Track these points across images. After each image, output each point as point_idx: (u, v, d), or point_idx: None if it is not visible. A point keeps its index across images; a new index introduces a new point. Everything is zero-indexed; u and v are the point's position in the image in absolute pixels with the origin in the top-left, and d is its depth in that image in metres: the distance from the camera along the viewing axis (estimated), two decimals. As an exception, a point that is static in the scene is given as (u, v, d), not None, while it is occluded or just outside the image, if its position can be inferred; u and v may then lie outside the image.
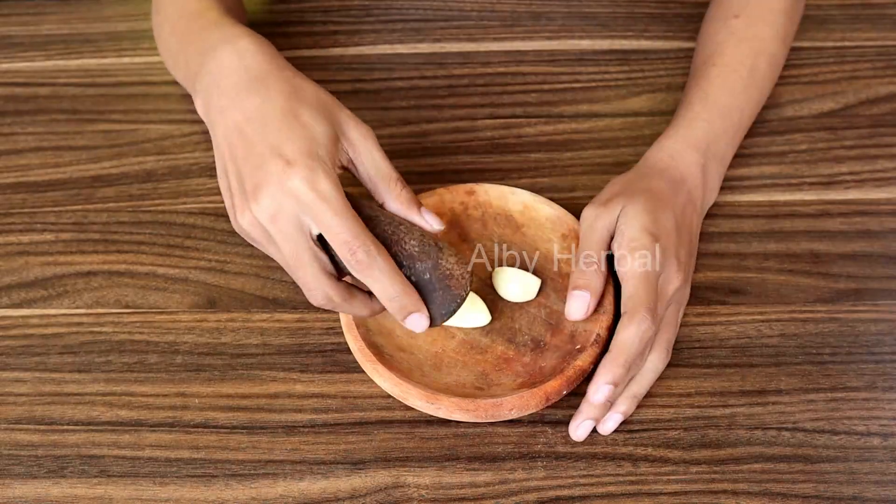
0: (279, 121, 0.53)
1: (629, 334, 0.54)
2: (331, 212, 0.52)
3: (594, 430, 0.58)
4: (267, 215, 0.52)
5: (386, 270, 0.53)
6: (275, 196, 0.52)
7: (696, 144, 0.65)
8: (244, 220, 0.54)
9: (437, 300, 0.55)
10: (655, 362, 0.58)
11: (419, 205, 0.57)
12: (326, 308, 0.56)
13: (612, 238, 0.59)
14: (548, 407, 0.58)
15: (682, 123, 0.66)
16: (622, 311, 0.56)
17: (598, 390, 0.55)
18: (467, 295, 0.57)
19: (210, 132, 0.57)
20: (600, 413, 0.56)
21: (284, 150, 0.52)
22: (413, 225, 0.56)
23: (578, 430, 0.57)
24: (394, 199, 0.57)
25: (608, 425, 0.57)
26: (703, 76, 0.68)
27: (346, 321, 0.59)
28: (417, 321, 0.55)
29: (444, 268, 0.55)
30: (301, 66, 0.78)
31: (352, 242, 0.52)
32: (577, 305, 0.57)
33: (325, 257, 0.54)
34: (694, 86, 0.68)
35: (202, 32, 0.61)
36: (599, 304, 0.58)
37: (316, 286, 0.54)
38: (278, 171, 0.52)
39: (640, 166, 0.65)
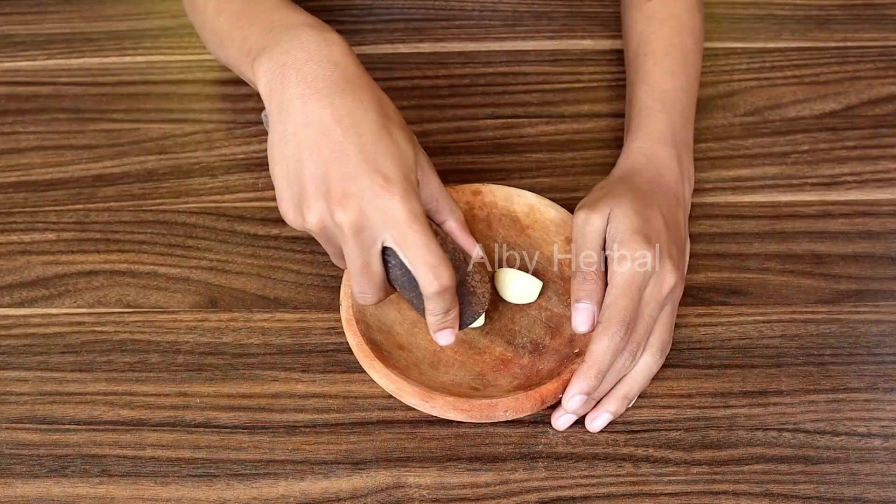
0: (374, 133, 0.53)
1: (602, 347, 0.55)
2: (421, 234, 0.52)
3: (582, 424, 0.58)
4: (351, 224, 0.52)
5: (452, 295, 0.54)
6: (365, 209, 0.52)
7: (663, 138, 0.65)
8: (313, 218, 0.53)
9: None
10: (649, 363, 0.58)
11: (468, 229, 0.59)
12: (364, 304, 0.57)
13: (605, 241, 0.59)
14: (548, 408, 0.58)
15: (642, 122, 0.66)
16: (598, 319, 0.56)
17: (572, 400, 0.56)
18: (483, 311, 0.59)
19: (275, 113, 0.54)
20: (580, 413, 0.57)
21: (382, 166, 0.52)
22: (446, 238, 0.57)
23: (559, 420, 0.58)
24: (456, 219, 0.58)
25: (596, 423, 0.58)
26: (641, 68, 0.68)
27: (346, 317, 0.59)
28: (448, 336, 0.57)
29: (469, 284, 0.58)
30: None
31: (437, 268, 0.53)
32: (582, 318, 0.57)
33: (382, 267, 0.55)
34: (636, 80, 0.68)
35: (271, 13, 0.59)
36: None
37: (372, 292, 0.56)
38: (377, 186, 0.52)
39: (618, 172, 0.64)
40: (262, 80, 0.55)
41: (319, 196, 0.52)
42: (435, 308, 0.55)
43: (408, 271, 0.54)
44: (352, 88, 0.54)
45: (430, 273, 0.52)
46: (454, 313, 0.56)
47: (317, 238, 0.55)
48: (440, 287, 0.53)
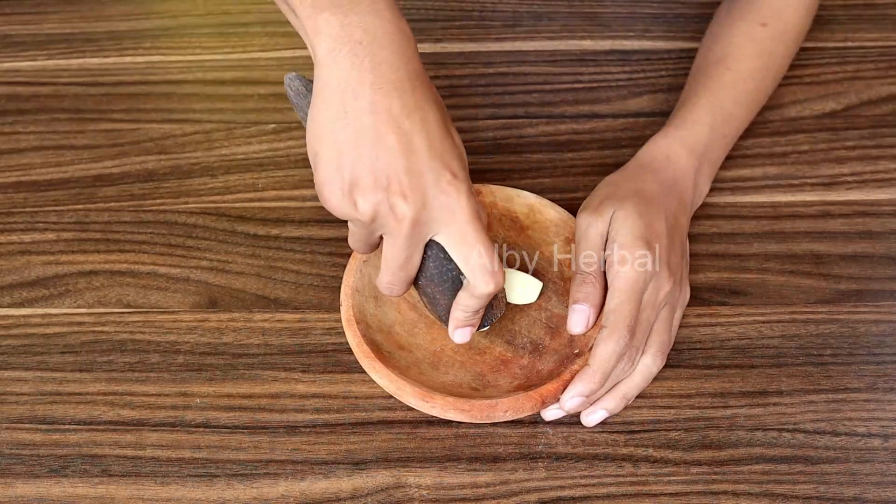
0: (440, 131, 0.53)
1: (607, 350, 0.55)
2: (482, 234, 0.52)
3: (582, 424, 0.58)
4: (412, 218, 0.51)
5: (491, 296, 0.54)
6: (430, 204, 0.51)
7: (694, 148, 0.65)
8: (367, 207, 0.51)
9: None
10: (648, 364, 0.58)
11: None
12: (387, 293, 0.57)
13: (606, 242, 0.59)
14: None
15: (685, 124, 0.66)
16: (603, 323, 0.56)
17: (570, 400, 0.56)
18: (501, 315, 0.60)
19: (334, 90, 0.52)
20: (574, 412, 0.58)
21: (449, 163, 0.52)
22: None
23: (548, 412, 0.58)
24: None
25: (592, 418, 0.58)
26: (716, 78, 0.68)
27: (346, 317, 0.59)
28: (466, 334, 0.57)
29: None
30: (303, 66, 0.78)
31: (496, 272, 0.53)
32: (578, 319, 0.58)
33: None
34: (703, 85, 0.68)
35: None
36: (600, 312, 0.59)
37: (403, 284, 0.55)
38: (444, 182, 0.51)
39: (634, 164, 0.65)
40: (326, 44, 0.52)
41: (379, 187, 0.51)
42: (469, 306, 0.55)
43: (441, 265, 0.54)
44: (421, 85, 0.53)
45: (487, 275, 0.53)
46: (482, 313, 0.56)
47: (357, 224, 0.54)
48: (495, 288, 0.53)
